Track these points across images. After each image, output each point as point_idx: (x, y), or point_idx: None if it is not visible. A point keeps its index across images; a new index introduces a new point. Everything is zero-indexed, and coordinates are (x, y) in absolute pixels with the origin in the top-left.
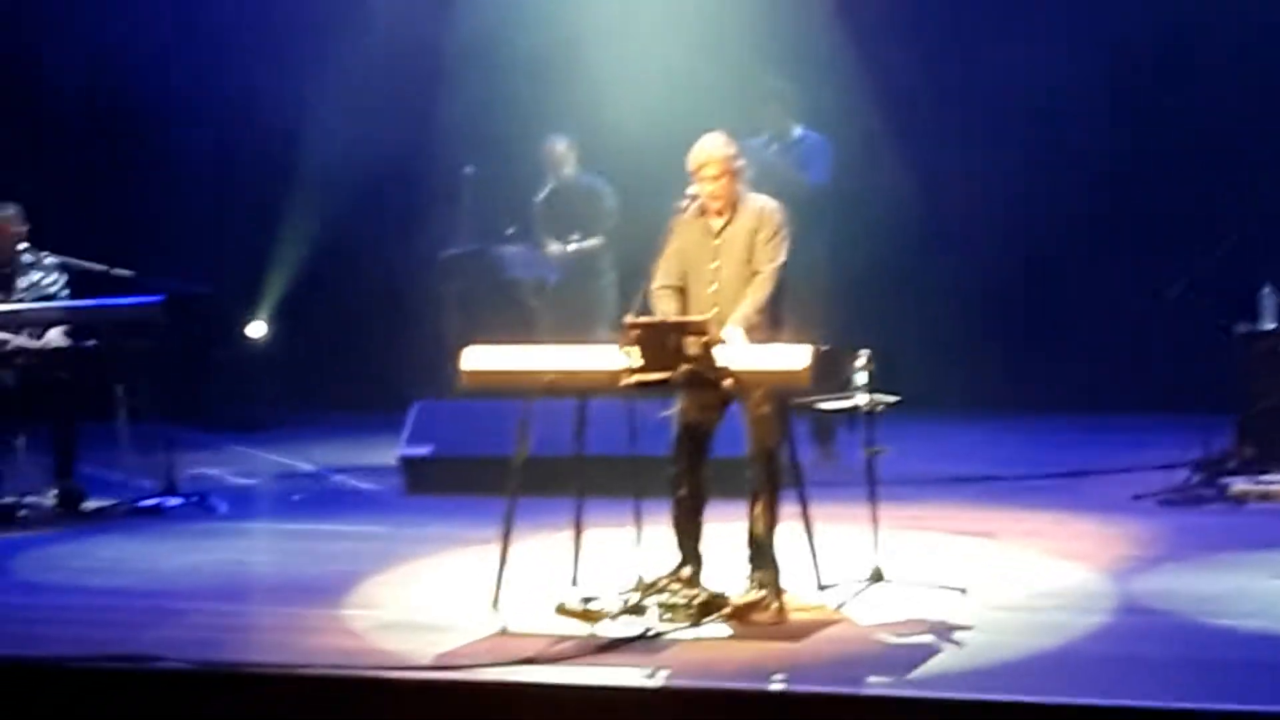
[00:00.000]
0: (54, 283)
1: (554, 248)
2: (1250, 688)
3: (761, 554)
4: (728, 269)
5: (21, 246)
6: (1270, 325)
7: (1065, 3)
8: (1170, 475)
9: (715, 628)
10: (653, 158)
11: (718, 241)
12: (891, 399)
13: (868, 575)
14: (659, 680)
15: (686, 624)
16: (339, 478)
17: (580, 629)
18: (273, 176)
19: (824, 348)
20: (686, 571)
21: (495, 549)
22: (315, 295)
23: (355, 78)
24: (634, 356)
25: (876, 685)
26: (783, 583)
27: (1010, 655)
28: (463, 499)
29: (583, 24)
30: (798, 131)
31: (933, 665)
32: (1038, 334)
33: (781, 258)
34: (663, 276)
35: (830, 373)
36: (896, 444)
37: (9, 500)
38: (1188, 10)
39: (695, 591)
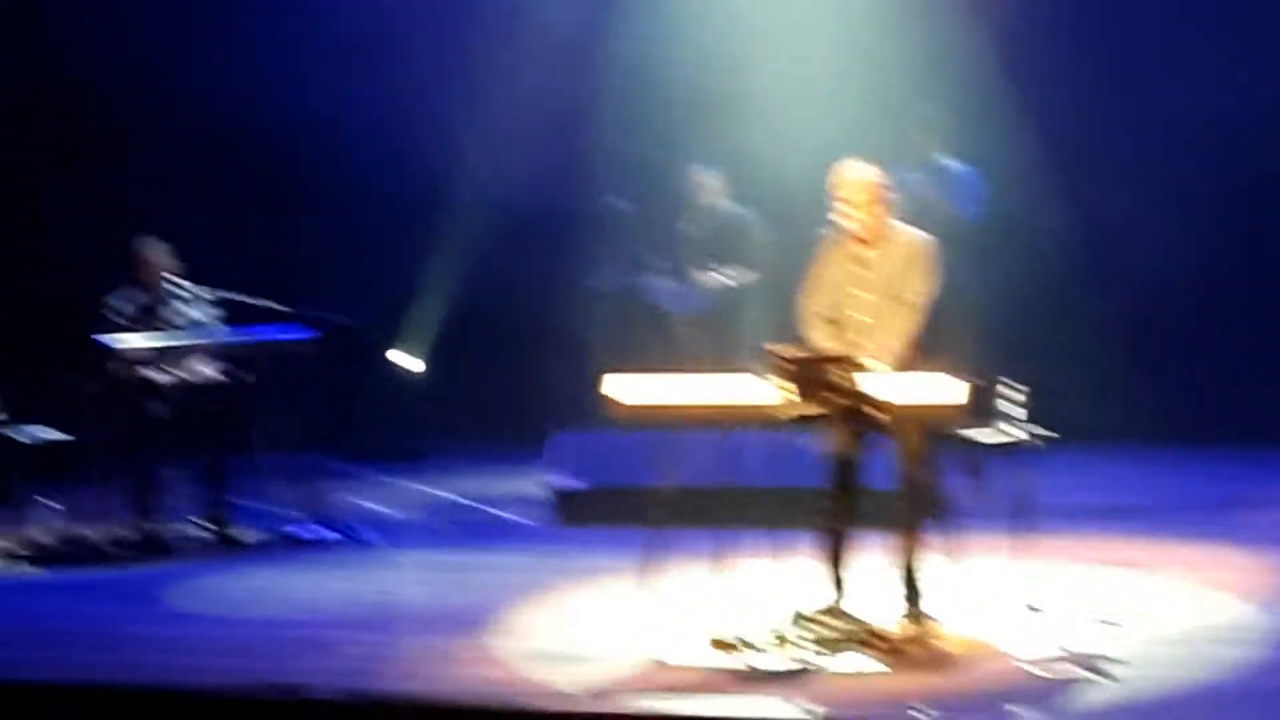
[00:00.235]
0: (204, 315)
1: (702, 279)
2: None
3: (912, 587)
4: (876, 299)
5: (171, 280)
6: None
7: (1227, 33)
8: None
9: (866, 660)
10: (802, 190)
11: (866, 272)
12: (1044, 433)
13: (1020, 608)
14: (810, 713)
15: (837, 656)
16: (486, 508)
17: (731, 661)
18: (421, 209)
19: (975, 381)
20: (838, 604)
21: (644, 579)
22: (463, 326)
23: (504, 110)
24: (784, 389)
25: (1028, 719)
26: (933, 615)
27: (1164, 689)
28: (610, 529)
29: (733, 56)
30: (949, 163)
31: (1085, 699)
32: (1190, 364)
33: (930, 289)
34: (813, 305)
35: (981, 405)
36: (1048, 476)
37: (160, 530)
38: None
39: (846, 624)
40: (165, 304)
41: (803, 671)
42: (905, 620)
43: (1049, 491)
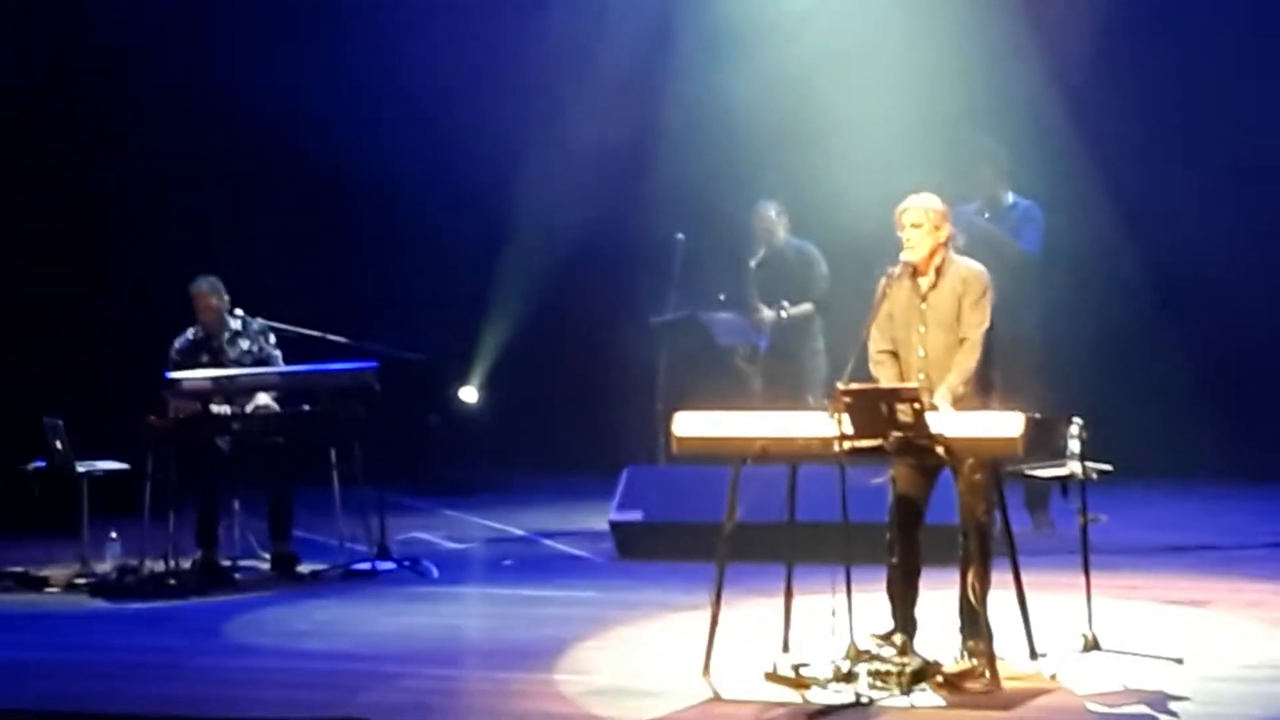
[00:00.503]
0: (262, 349)
1: (766, 313)
2: None
3: (974, 622)
4: (934, 333)
5: (231, 316)
6: None
7: None
8: None
9: (927, 696)
10: (867, 225)
11: (924, 305)
12: (1104, 467)
13: (1081, 644)
14: None
15: (898, 692)
16: (550, 542)
17: (792, 696)
18: (486, 243)
19: (1036, 415)
20: (899, 638)
21: (706, 614)
22: (527, 361)
23: (568, 146)
24: (846, 423)
25: None
26: (996, 651)
27: None
28: (673, 564)
29: (798, 93)
30: (1010, 198)
31: None
32: (1253, 400)
33: (987, 322)
34: (878, 341)
35: (1043, 440)
36: (1110, 512)
37: (224, 563)
38: None
39: (908, 659)
40: (223, 341)
41: (863, 706)
42: (966, 655)
43: (1111, 527)
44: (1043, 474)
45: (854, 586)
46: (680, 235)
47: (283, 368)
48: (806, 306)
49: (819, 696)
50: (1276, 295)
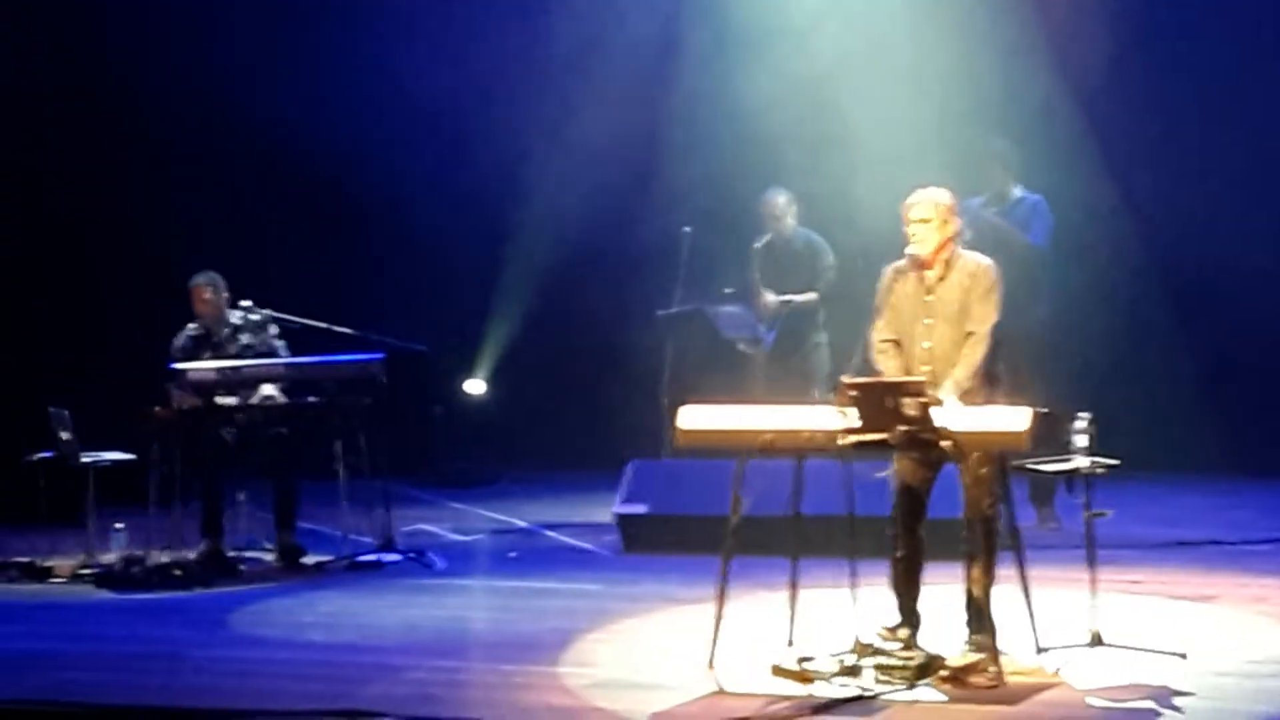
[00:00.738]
0: (265, 343)
1: (770, 298)
2: None
3: (979, 616)
4: (941, 326)
5: (233, 309)
6: None
7: None
8: None
9: (932, 690)
10: (873, 218)
11: (930, 298)
12: (1111, 461)
13: (1086, 639)
14: None
15: (903, 686)
16: (555, 535)
17: (796, 690)
18: (493, 236)
19: (1043, 410)
20: (903, 632)
21: (711, 608)
22: (532, 353)
23: (575, 139)
24: (851, 417)
25: None
26: (1000, 645)
27: None
28: (678, 557)
29: (806, 87)
30: (1018, 192)
31: None
32: (1260, 396)
33: (995, 316)
34: (882, 331)
35: (1049, 435)
36: (1116, 506)
37: (230, 554)
38: None
39: (912, 653)
40: (223, 336)
41: (866, 700)
42: (970, 649)
43: (1116, 522)
44: (1049, 468)
45: (859, 580)
46: (687, 229)
47: (288, 359)
48: (811, 296)
49: (823, 690)
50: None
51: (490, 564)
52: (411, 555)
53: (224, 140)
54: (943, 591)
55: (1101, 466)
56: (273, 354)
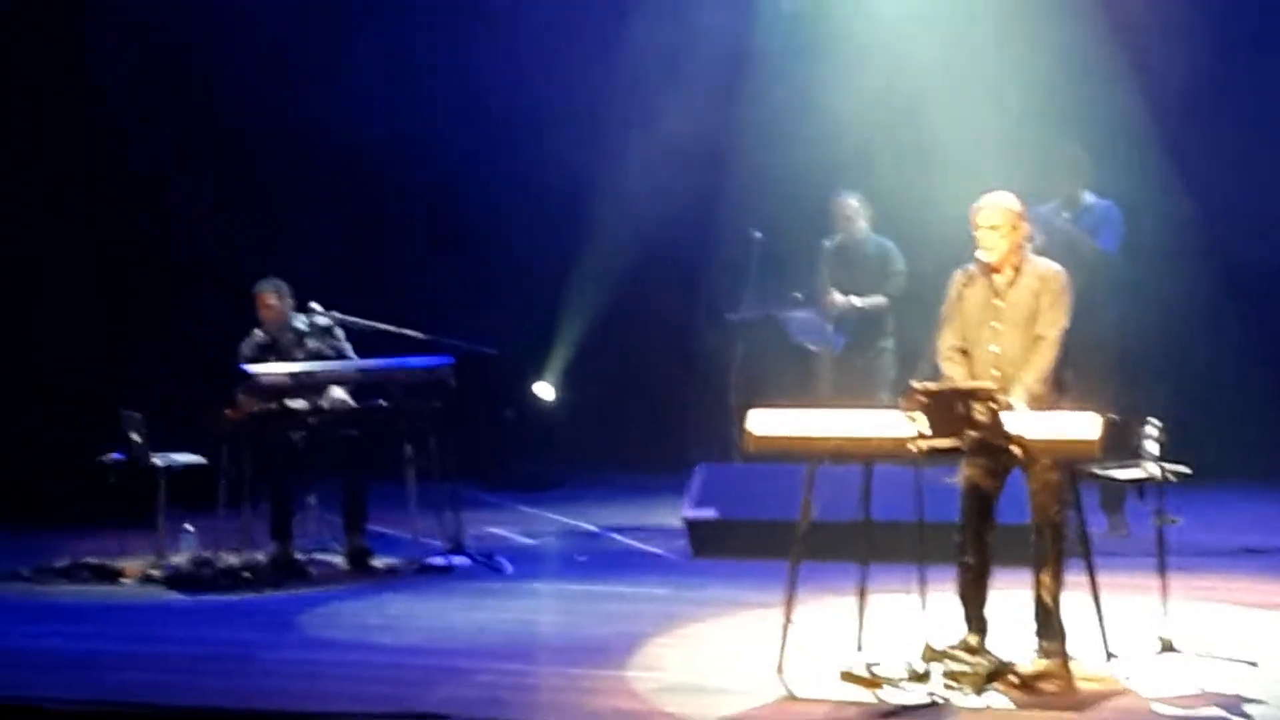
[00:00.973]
0: (331, 345)
1: (837, 298)
2: None
3: (1049, 623)
4: (1009, 330)
5: (293, 317)
6: None
7: None
8: None
9: (1001, 697)
10: (944, 224)
11: (999, 302)
12: (1182, 469)
13: (1156, 646)
14: None
15: (972, 692)
16: (624, 539)
17: (865, 695)
18: (561, 238)
19: (1113, 416)
20: (972, 639)
21: (779, 613)
22: (602, 357)
23: (647, 143)
24: (920, 422)
25: None
26: (1070, 652)
27: None
28: (746, 562)
29: (876, 92)
30: (1089, 198)
31: None
32: None
33: (1064, 322)
34: (950, 337)
35: (1119, 442)
36: (1186, 514)
37: (299, 557)
38: None
39: (981, 659)
40: (289, 342)
41: (935, 706)
42: (1039, 656)
43: (1187, 529)
44: (1119, 475)
45: (927, 586)
46: (758, 233)
47: (359, 362)
48: (879, 300)
49: (892, 696)
50: None
51: (558, 567)
52: (480, 558)
53: (295, 144)
54: (1011, 597)
55: (1172, 473)
56: (341, 357)
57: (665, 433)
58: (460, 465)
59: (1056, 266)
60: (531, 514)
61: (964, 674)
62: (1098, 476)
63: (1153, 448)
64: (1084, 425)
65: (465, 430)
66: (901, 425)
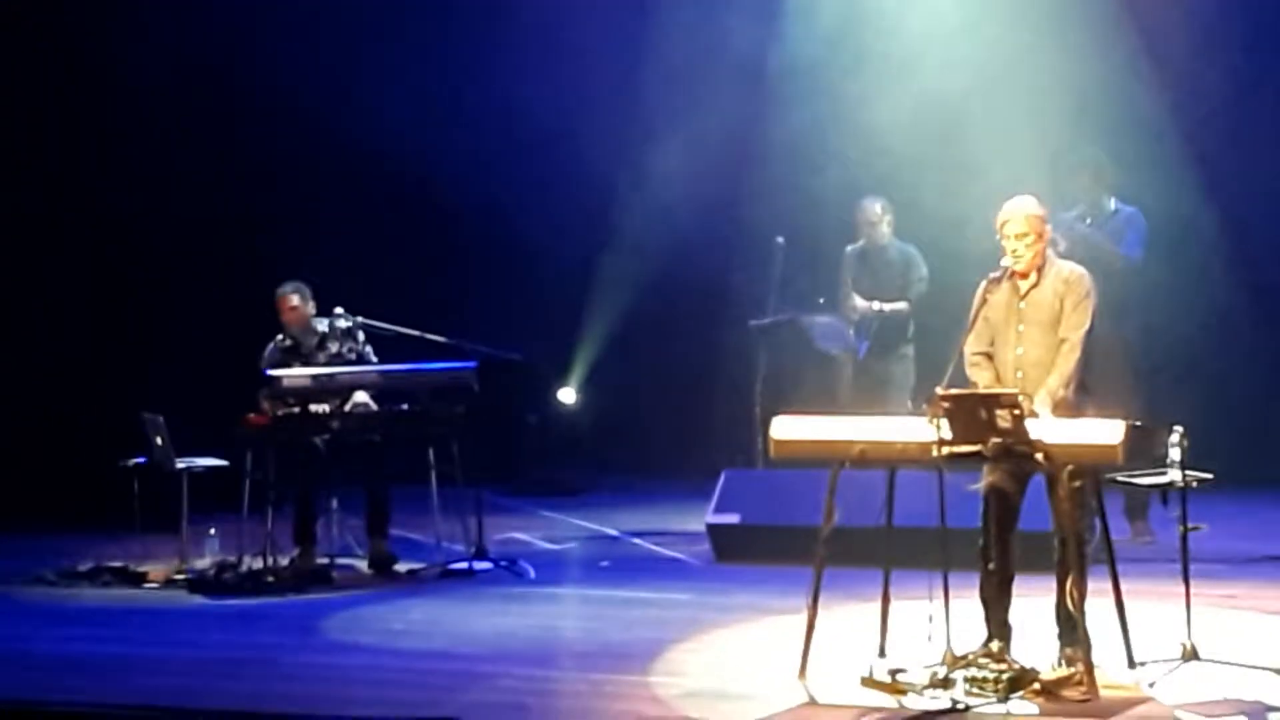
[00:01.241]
0: (354, 349)
1: (859, 303)
2: None
3: (1072, 629)
4: (1033, 332)
5: (315, 321)
6: None
7: None
8: None
9: (1024, 703)
10: (968, 230)
11: (1023, 305)
12: (1205, 475)
13: (1180, 654)
14: None
15: (995, 698)
16: (646, 544)
17: (887, 701)
18: (586, 244)
19: (1136, 423)
20: (995, 645)
21: (802, 618)
22: (625, 362)
23: (670, 150)
24: (944, 428)
25: None
26: (1094, 659)
27: None
28: (770, 568)
29: (900, 98)
30: (1112, 204)
31: None
32: None
33: (1088, 324)
34: (975, 343)
35: (1142, 448)
36: (1210, 521)
37: (322, 561)
38: None
39: (1004, 666)
40: (312, 346)
41: (958, 713)
42: (1062, 663)
43: (1211, 536)
44: (1143, 482)
45: (950, 592)
46: (780, 239)
47: (382, 366)
48: (902, 305)
49: (915, 702)
50: None
51: (582, 573)
52: (503, 563)
53: (319, 149)
54: (1035, 603)
55: (1196, 480)
56: (363, 361)
57: (688, 438)
58: (483, 470)
59: (1080, 269)
60: (554, 519)
61: (987, 680)
62: (1121, 483)
63: (1176, 454)
64: (1107, 431)
65: (488, 435)
66: (925, 431)
